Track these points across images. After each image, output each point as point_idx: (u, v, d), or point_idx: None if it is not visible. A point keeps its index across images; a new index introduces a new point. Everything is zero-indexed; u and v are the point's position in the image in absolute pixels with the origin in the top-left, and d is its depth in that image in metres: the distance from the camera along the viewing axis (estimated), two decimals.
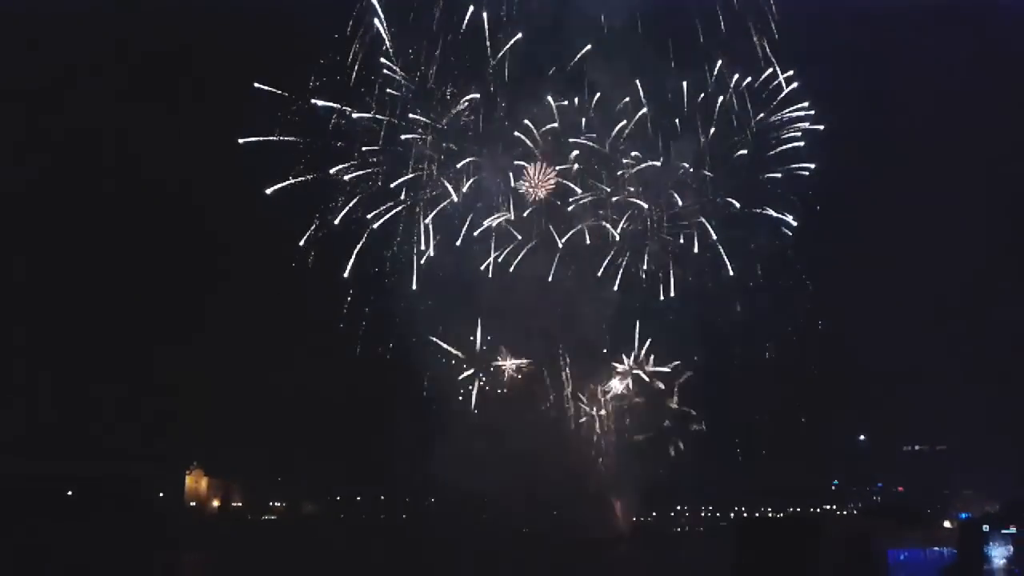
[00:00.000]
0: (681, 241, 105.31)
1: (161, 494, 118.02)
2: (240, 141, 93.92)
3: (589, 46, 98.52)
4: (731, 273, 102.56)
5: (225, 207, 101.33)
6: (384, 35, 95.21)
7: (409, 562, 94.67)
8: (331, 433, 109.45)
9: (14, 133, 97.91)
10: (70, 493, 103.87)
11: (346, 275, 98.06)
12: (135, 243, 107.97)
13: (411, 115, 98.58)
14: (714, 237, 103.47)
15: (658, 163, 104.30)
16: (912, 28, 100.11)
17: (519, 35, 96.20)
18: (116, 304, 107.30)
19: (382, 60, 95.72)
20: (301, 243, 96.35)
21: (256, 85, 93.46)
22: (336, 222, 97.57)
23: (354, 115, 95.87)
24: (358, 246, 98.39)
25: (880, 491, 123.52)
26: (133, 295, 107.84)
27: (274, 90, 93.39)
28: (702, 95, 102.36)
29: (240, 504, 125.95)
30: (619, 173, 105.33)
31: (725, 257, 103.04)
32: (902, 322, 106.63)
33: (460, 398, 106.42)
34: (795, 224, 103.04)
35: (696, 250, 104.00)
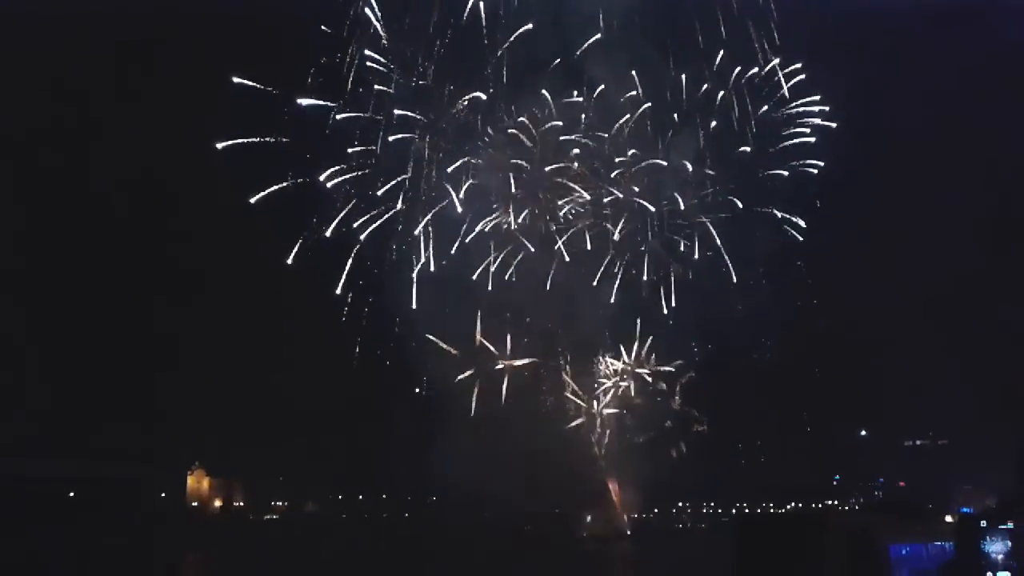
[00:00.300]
0: (682, 248, 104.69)
1: (163, 494, 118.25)
2: (218, 146, 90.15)
3: (589, 42, 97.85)
4: (733, 279, 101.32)
5: (226, 207, 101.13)
6: (381, 33, 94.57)
7: (410, 561, 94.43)
8: (332, 433, 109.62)
9: None
10: (71, 494, 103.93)
11: (344, 278, 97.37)
12: (136, 245, 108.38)
13: (409, 114, 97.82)
14: (717, 241, 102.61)
15: (658, 160, 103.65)
16: (913, 27, 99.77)
17: (529, 25, 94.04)
18: (117, 305, 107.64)
19: (379, 58, 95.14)
20: (299, 245, 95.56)
21: (236, 80, 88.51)
22: (333, 224, 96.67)
23: (349, 115, 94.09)
24: (355, 248, 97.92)
25: (881, 486, 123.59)
26: (133, 297, 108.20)
27: (262, 87, 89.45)
28: (705, 86, 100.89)
29: (242, 504, 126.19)
30: (614, 174, 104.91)
31: (727, 258, 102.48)
32: (903, 318, 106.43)
33: (460, 397, 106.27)
34: (804, 226, 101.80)
35: (696, 254, 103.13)
